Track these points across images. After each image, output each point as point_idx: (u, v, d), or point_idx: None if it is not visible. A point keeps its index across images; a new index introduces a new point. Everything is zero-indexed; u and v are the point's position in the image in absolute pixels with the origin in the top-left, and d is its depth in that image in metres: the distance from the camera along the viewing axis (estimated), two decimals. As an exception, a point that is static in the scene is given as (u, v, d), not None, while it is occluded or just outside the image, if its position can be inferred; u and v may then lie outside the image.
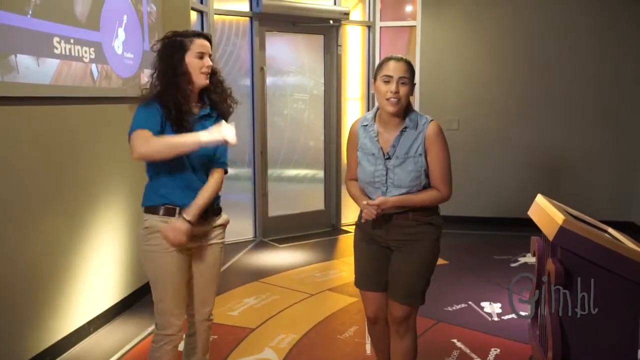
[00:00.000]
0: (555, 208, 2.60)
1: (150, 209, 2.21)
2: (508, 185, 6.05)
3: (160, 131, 2.12)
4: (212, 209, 2.29)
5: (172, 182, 2.20)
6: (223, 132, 2.11)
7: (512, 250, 5.09)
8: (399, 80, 2.20)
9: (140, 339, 3.30)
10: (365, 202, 2.24)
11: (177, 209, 2.18)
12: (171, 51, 2.18)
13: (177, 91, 2.15)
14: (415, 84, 2.30)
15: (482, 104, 6.04)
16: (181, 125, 2.15)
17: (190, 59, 2.18)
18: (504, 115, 6.01)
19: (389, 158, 2.27)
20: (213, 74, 2.27)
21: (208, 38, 2.26)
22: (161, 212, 2.19)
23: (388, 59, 2.26)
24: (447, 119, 5.89)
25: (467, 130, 6.03)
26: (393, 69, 2.21)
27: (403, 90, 2.20)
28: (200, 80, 2.21)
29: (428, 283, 2.37)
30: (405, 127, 2.26)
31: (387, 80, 2.21)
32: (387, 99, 2.21)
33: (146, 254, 2.23)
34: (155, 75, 2.21)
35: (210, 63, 2.23)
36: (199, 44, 2.20)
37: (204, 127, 2.23)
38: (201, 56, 2.19)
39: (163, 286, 2.22)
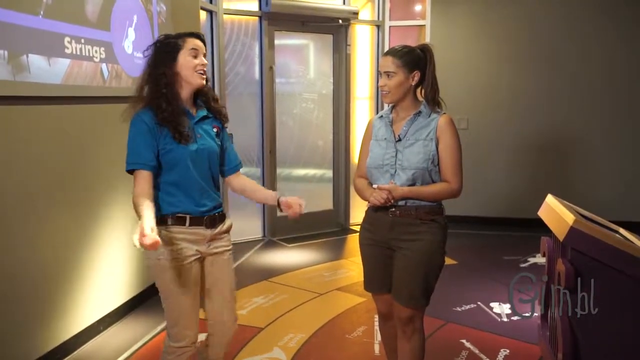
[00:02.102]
0: (565, 208, 2.58)
1: (158, 220, 2.08)
2: (518, 185, 6.02)
3: (156, 154, 2.09)
4: (218, 215, 2.23)
5: (179, 190, 2.14)
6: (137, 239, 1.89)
7: (521, 250, 5.06)
8: (385, 74, 2.30)
9: (150, 337, 3.32)
10: (376, 186, 2.27)
11: (188, 217, 2.14)
12: (163, 53, 2.12)
13: (168, 92, 2.08)
14: (417, 72, 2.30)
15: (491, 103, 6.02)
16: (177, 129, 2.08)
17: (184, 57, 2.11)
18: (513, 115, 5.99)
19: (400, 140, 2.31)
20: (205, 79, 2.21)
21: (201, 38, 2.19)
22: (169, 221, 2.13)
23: (384, 53, 2.38)
24: (457, 119, 5.77)
25: (476, 130, 6.00)
26: (381, 63, 2.34)
27: (390, 82, 2.29)
28: (195, 79, 2.14)
29: (432, 285, 2.34)
30: (419, 112, 2.32)
31: (379, 74, 2.35)
32: (382, 92, 2.35)
33: (157, 268, 2.13)
34: (146, 78, 2.14)
35: (206, 62, 2.16)
36: (192, 42, 2.13)
37: (204, 130, 2.19)
38: (195, 55, 2.13)
39: (177, 300, 2.14)
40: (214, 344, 2.31)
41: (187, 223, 2.14)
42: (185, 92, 2.15)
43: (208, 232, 2.19)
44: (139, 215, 1.97)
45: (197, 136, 2.15)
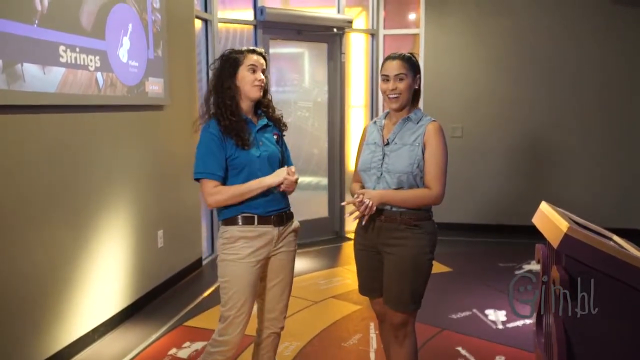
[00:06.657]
0: (559, 215, 2.59)
1: (229, 221, 2.28)
2: (512, 192, 6.04)
3: (223, 163, 2.24)
4: (286, 214, 2.37)
5: None
6: (283, 175, 2.25)
7: (516, 257, 5.07)
8: (395, 77, 2.31)
9: (144, 347, 3.31)
10: (352, 199, 2.30)
11: (256, 217, 2.26)
12: (226, 67, 2.29)
13: (232, 103, 2.25)
14: (419, 76, 2.36)
15: (485, 111, 6.05)
16: (239, 136, 2.24)
17: (243, 72, 2.28)
18: (507, 123, 6.01)
19: (388, 144, 2.33)
20: (265, 92, 2.37)
21: (262, 55, 2.34)
22: (240, 221, 2.26)
23: (386, 58, 2.39)
24: (451, 127, 5.89)
25: (471, 138, 6.02)
26: (389, 68, 2.33)
27: (401, 85, 2.31)
28: (253, 92, 2.29)
29: (420, 290, 2.34)
30: (408, 117, 2.34)
31: (386, 79, 2.34)
32: (388, 97, 2.34)
33: (222, 262, 2.30)
34: (212, 90, 2.31)
35: (263, 77, 2.31)
36: (251, 58, 2.29)
37: (266, 137, 2.34)
38: (253, 70, 2.28)
39: (233, 295, 2.27)
40: (262, 341, 2.43)
41: (256, 222, 2.27)
42: (245, 104, 2.32)
43: (276, 231, 2.31)
44: (242, 192, 2.23)
45: (259, 143, 2.31)
